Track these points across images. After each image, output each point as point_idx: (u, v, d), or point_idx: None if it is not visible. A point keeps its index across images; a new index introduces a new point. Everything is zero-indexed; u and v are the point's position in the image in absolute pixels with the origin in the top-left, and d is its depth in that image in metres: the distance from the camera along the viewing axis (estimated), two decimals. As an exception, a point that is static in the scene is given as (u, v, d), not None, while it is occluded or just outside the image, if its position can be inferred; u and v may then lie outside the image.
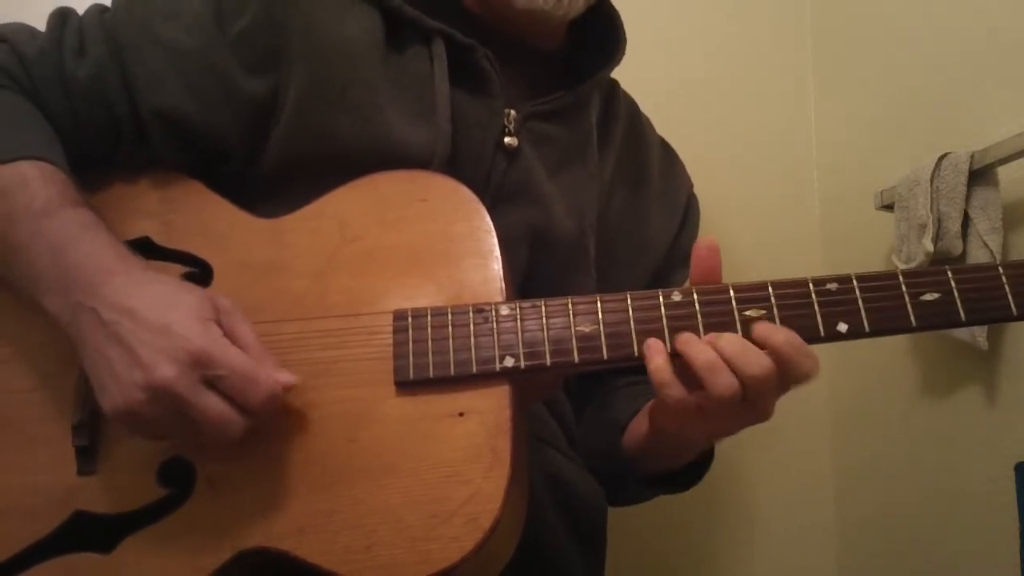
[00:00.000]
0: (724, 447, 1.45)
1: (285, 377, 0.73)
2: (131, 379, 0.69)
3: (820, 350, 1.55)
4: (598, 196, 1.02)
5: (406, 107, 0.89)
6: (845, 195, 1.49)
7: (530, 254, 0.95)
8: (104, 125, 0.87)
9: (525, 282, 0.94)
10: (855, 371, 1.46)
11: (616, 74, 1.08)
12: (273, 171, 0.88)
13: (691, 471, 0.96)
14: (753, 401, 0.75)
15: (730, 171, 1.51)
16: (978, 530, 1.19)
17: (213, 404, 0.70)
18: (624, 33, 1.05)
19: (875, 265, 1.36)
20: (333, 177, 0.85)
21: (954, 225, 1.16)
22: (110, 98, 0.86)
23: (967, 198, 1.15)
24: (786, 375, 0.75)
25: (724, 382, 0.73)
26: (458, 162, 0.90)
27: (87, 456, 0.77)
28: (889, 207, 1.31)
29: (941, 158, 1.19)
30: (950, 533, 1.25)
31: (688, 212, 1.13)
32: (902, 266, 1.24)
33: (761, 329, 0.76)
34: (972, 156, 1.14)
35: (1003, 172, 1.14)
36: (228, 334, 0.73)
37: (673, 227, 1.10)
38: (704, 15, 1.56)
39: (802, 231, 1.53)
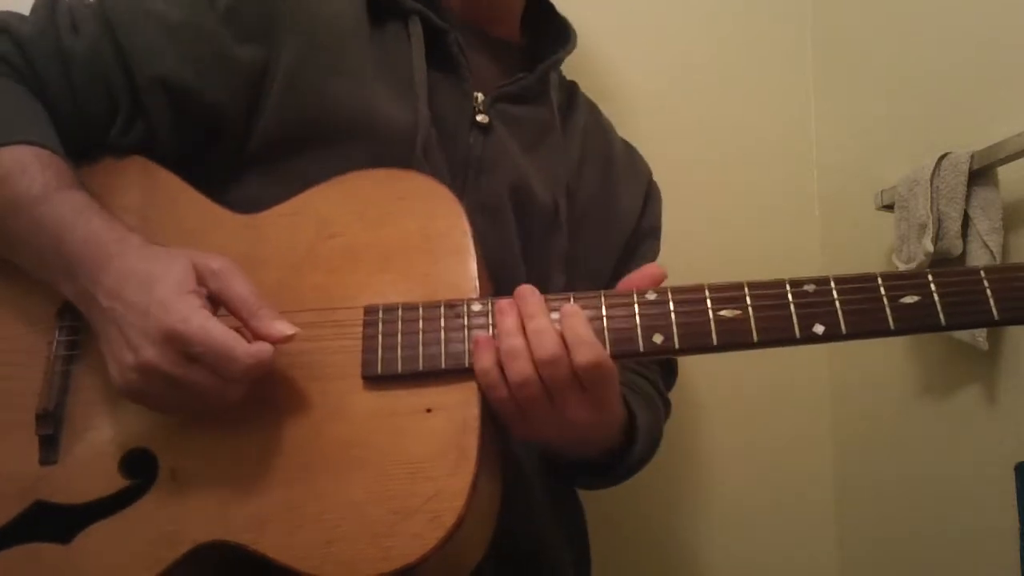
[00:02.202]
0: (724, 446, 1.45)
1: (281, 329, 0.73)
2: (125, 361, 0.72)
3: (821, 350, 1.54)
4: (567, 170, 1.05)
5: (389, 85, 0.92)
6: (845, 195, 1.48)
7: (516, 217, 0.97)
8: (102, 99, 0.87)
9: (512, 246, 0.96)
10: (855, 372, 1.46)
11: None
12: (263, 147, 0.90)
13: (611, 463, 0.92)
14: (554, 393, 0.75)
15: (730, 171, 1.50)
16: (978, 530, 1.18)
17: (200, 377, 0.72)
18: (568, 22, 1.12)
19: (875, 265, 1.36)
20: (322, 151, 0.87)
21: (954, 225, 1.15)
22: (107, 71, 0.87)
23: (967, 198, 1.14)
24: (573, 363, 0.74)
25: (518, 367, 0.73)
26: (439, 140, 0.93)
27: (50, 446, 0.78)
28: (889, 207, 1.31)
29: (941, 158, 1.18)
30: (950, 533, 1.24)
31: (649, 195, 1.15)
32: (902, 266, 1.23)
33: (565, 309, 0.76)
34: (972, 156, 1.14)
35: (1003, 172, 1.13)
36: (219, 295, 0.74)
37: (639, 204, 1.12)
38: (704, 15, 1.55)
39: (802, 231, 1.53)
